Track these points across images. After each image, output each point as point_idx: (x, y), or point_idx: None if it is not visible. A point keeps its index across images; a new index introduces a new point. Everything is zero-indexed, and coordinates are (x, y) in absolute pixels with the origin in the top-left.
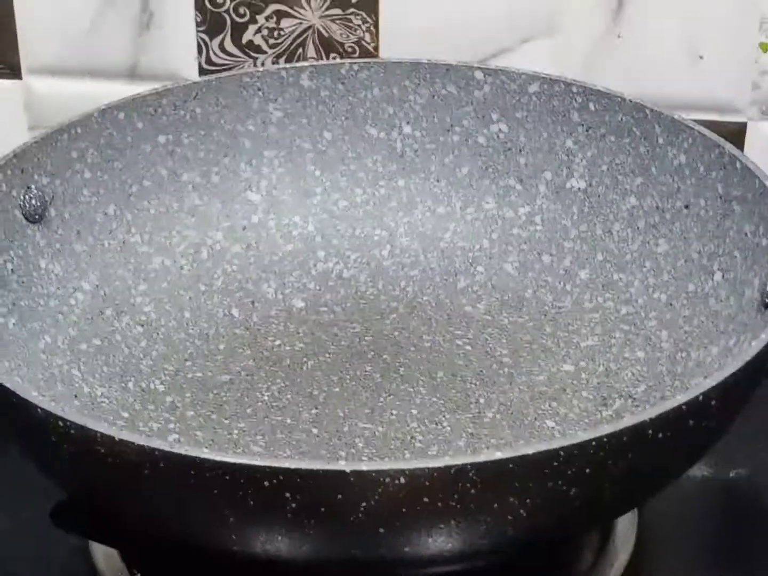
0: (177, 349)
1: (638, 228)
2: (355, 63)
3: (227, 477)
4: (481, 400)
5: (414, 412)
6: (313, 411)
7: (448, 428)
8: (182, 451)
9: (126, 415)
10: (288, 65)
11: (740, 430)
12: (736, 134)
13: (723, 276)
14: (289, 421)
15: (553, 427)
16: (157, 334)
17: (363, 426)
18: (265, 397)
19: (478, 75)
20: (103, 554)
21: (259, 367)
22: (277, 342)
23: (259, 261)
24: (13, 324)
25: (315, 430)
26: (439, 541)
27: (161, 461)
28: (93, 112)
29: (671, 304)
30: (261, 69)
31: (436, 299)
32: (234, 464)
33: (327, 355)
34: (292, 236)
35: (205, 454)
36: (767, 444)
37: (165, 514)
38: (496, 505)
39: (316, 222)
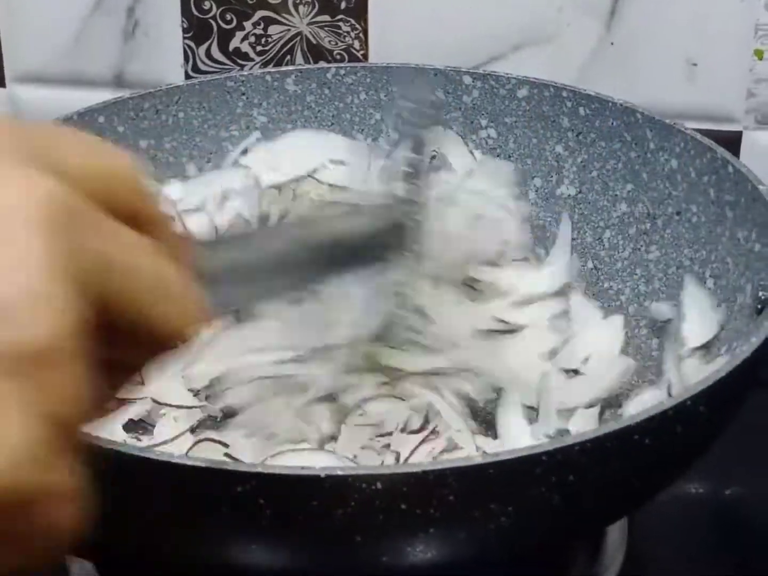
0: None
1: (629, 235)
2: (341, 67)
3: (199, 482)
4: None
5: None
6: None
7: None
8: (152, 456)
9: None
10: (273, 69)
11: (737, 448)
12: (731, 143)
13: (715, 283)
14: None
15: None
16: None
17: None
18: None
19: (467, 79)
20: (79, 568)
21: None
22: None
23: None
24: None
25: None
26: (418, 550)
27: (136, 464)
28: (72, 114)
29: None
30: (246, 73)
31: None
32: (205, 468)
33: None
34: None
35: (176, 459)
36: (763, 463)
37: (134, 521)
38: (476, 512)
39: None
